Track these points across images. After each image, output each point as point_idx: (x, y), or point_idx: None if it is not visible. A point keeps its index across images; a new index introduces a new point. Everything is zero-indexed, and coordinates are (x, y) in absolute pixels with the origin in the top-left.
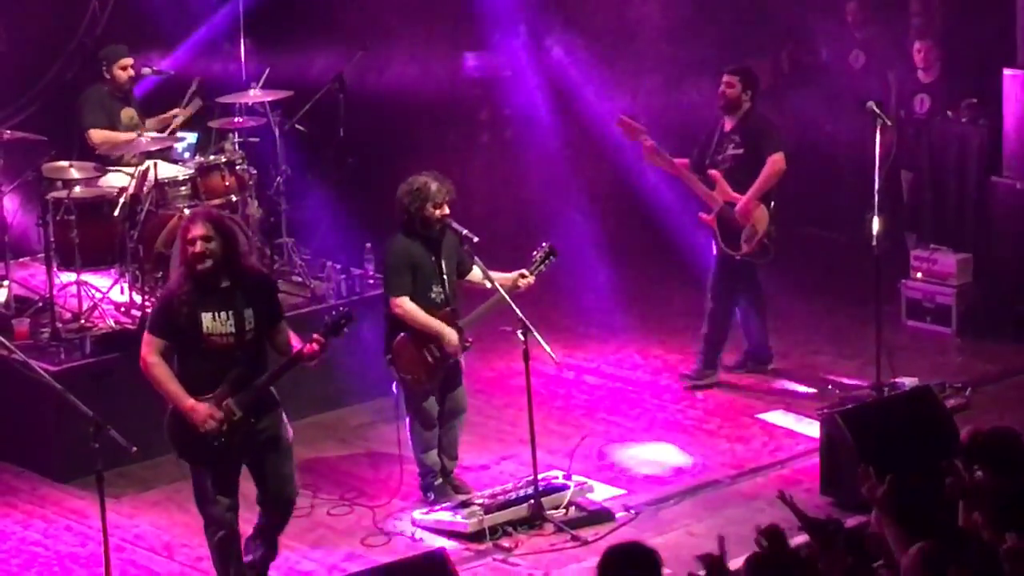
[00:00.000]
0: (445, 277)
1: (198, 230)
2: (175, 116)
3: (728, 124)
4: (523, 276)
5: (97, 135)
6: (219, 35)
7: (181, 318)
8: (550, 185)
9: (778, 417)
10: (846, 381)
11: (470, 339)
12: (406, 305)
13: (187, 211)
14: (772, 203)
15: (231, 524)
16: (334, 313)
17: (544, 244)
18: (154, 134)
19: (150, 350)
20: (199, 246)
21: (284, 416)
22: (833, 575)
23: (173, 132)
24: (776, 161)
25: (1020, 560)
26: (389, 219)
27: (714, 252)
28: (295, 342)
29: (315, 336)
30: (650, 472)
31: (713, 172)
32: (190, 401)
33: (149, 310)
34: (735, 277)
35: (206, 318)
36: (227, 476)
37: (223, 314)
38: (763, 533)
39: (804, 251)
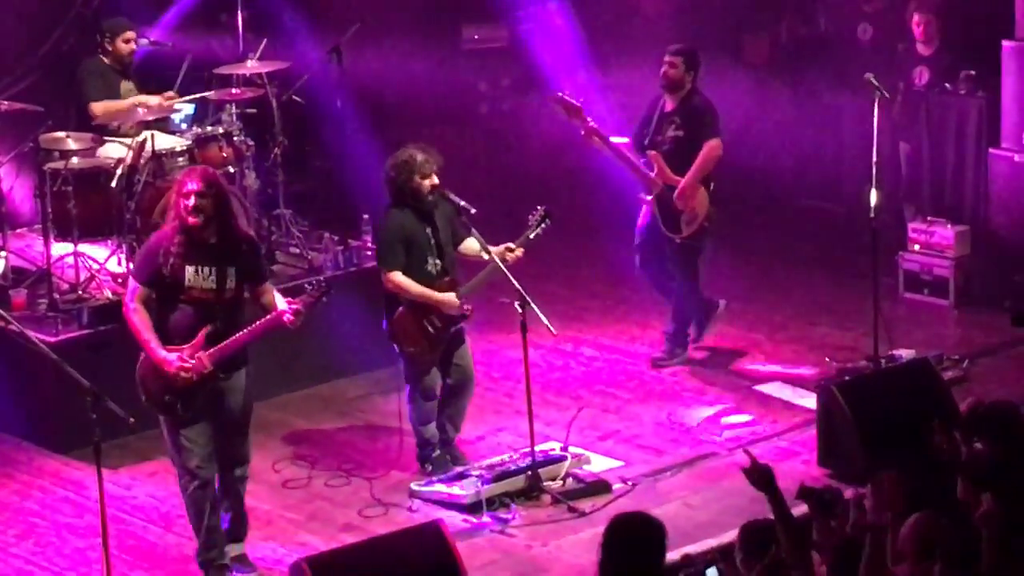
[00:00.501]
0: (440, 248)
1: (194, 185)
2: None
3: (669, 104)
4: (510, 250)
5: (98, 107)
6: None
7: (166, 268)
8: (549, 157)
9: (776, 389)
10: (844, 353)
11: (468, 307)
12: (398, 279)
13: None
14: (712, 186)
15: (204, 476)
16: (313, 284)
17: (539, 208)
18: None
19: (132, 295)
20: (193, 200)
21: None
22: (827, 545)
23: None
24: (713, 147)
25: (993, 523)
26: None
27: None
28: (281, 305)
29: (294, 302)
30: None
31: (652, 153)
32: (163, 352)
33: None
34: (670, 258)
35: (189, 271)
36: (197, 427)
37: (206, 269)
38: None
39: (803, 223)
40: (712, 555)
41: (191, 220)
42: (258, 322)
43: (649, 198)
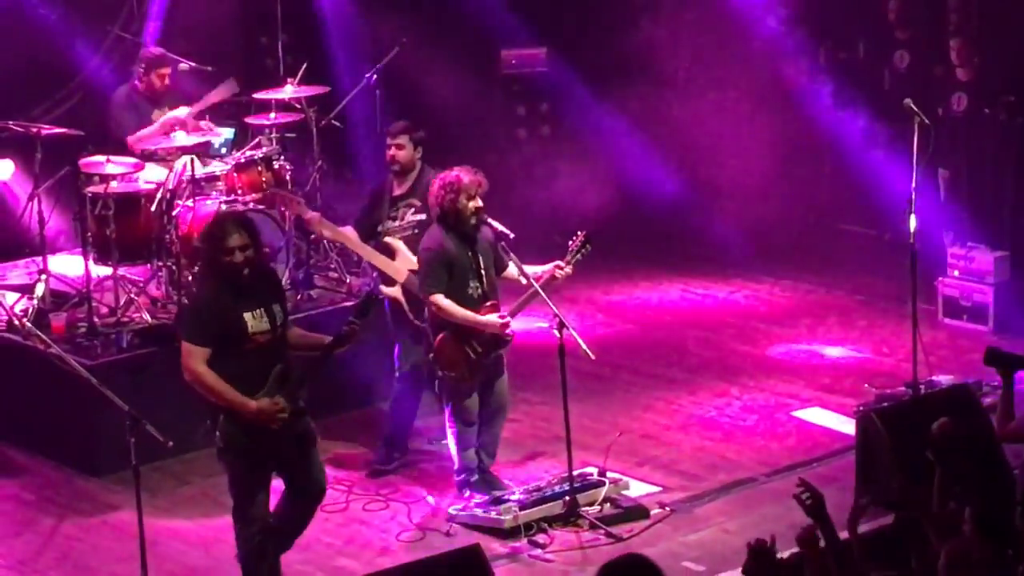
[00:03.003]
0: (483, 272)
1: (236, 240)
2: (206, 100)
3: (400, 187)
4: (559, 268)
5: (132, 140)
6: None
7: (226, 323)
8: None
9: (814, 415)
10: (883, 379)
11: (511, 331)
12: (441, 302)
13: (224, 207)
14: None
15: (269, 523)
16: (359, 298)
17: (579, 233)
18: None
19: (196, 360)
20: (239, 256)
21: None
22: None
23: (203, 114)
24: None
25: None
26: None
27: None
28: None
29: (349, 320)
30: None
31: (391, 241)
32: (254, 403)
33: (183, 314)
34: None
35: (248, 318)
36: (268, 474)
37: (259, 311)
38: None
39: (842, 248)
40: None
41: (243, 275)
42: (321, 350)
43: (390, 290)
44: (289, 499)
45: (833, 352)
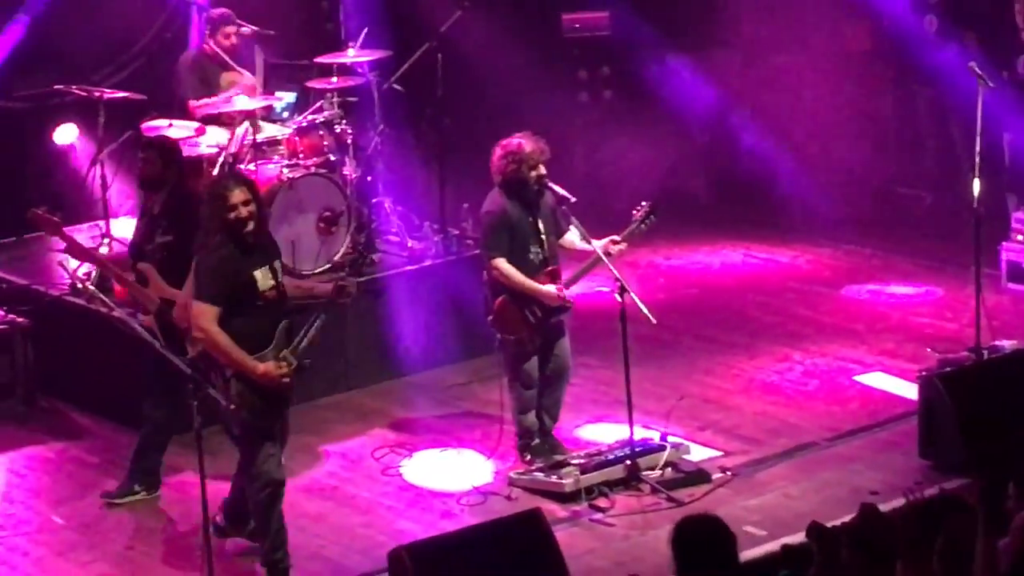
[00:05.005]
0: (543, 237)
1: (238, 196)
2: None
3: (155, 206)
4: (614, 242)
5: (195, 106)
6: None
7: (239, 282)
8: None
9: (877, 379)
10: (945, 344)
11: (570, 299)
12: (503, 266)
13: (286, 171)
14: None
15: (274, 477)
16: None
17: (644, 203)
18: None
19: (208, 319)
20: (243, 211)
21: None
22: None
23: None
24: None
25: None
26: (487, 179)
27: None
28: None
29: (340, 278)
30: None
31: (143, 266)
32: (260, 367)
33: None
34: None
35: (258, 276)
36: (275, 430)
37: (265, 269)
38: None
39: (904, 213)
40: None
41: (245, 231)
42: (320, 306)
43: (146, 319)
44: None
45: (895, 316)
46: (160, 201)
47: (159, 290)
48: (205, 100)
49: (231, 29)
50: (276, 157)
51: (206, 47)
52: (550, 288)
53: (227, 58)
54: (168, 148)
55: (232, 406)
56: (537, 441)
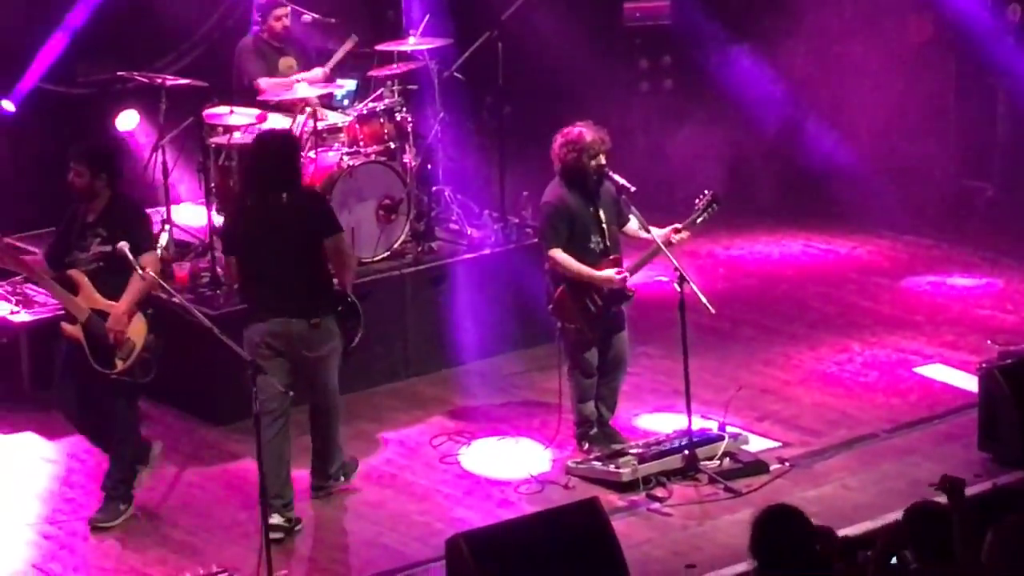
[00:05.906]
0: (604, 227)
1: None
2: (335, 59)
3: (91, 215)
4: (676, 231)
5: (263, 82)
6: None
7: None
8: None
9: (936, 371)
10: (1006, 336)
11: (632, 287)
12: (559, 256)
13: (346, 159)
14: (151, 311)
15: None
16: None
17: (706, 192)
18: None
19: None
20: None
21: None
22: None
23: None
24: (155, 266)
25: None
26: (547, 167)
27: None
28: None
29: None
30: None
31: (74, 273)
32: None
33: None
34: (104, 397)
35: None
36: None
37: None
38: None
39: (966, 205)
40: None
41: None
42: None
43: (72, 328)
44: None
45: (956, 308)
46: (96, 210)
47: (90, 300)
48: (272, 79)
49: (281, 12)
50: (336, 145)
51: (262, 32)
52: (609, 272)
53: (279, 43)
54: (100, 156)
55: (291, 393)
56: (595, 430)
